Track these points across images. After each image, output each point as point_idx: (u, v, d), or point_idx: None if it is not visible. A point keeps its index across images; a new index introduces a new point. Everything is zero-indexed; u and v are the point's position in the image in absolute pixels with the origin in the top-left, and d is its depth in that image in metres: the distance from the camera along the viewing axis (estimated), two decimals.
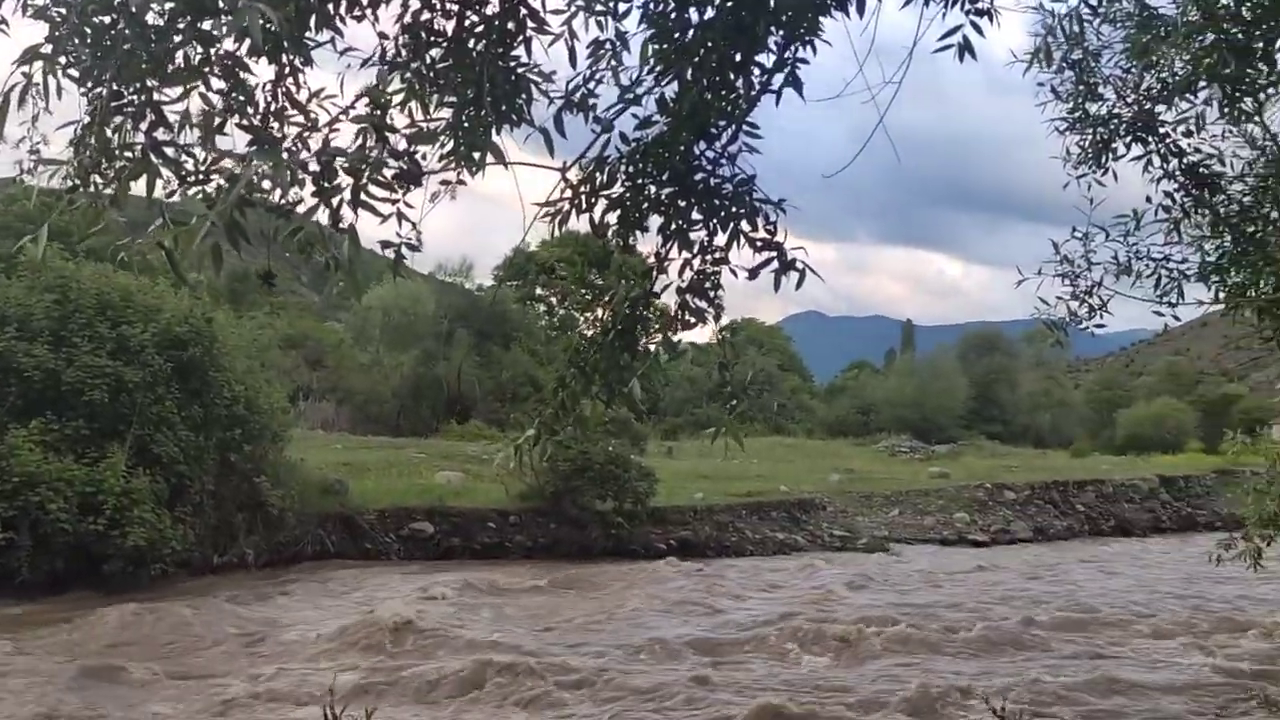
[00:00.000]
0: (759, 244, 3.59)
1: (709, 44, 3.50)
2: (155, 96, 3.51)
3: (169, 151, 3.39)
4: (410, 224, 4.09)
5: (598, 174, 3.80)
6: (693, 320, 3.91)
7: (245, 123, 3.68)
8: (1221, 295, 6.23)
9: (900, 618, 19.06)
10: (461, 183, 3.99)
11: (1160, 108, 5.91)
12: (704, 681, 14.39)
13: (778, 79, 3.52)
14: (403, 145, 3.43)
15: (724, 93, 3.59)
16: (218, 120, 3.61)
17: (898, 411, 63.86)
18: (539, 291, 63.61)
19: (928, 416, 62.96)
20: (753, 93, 3.56)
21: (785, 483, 34.69)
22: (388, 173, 3.38)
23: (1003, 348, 76.38)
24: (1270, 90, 5.58)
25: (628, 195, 3.79)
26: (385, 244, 3.92)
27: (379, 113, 3.38)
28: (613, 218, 3.85)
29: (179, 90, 3.51)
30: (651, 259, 3.81)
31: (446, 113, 3.94)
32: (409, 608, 18.23)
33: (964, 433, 60.57)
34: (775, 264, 3.55)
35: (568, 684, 13.93)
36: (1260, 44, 4.94)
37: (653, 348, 4.04)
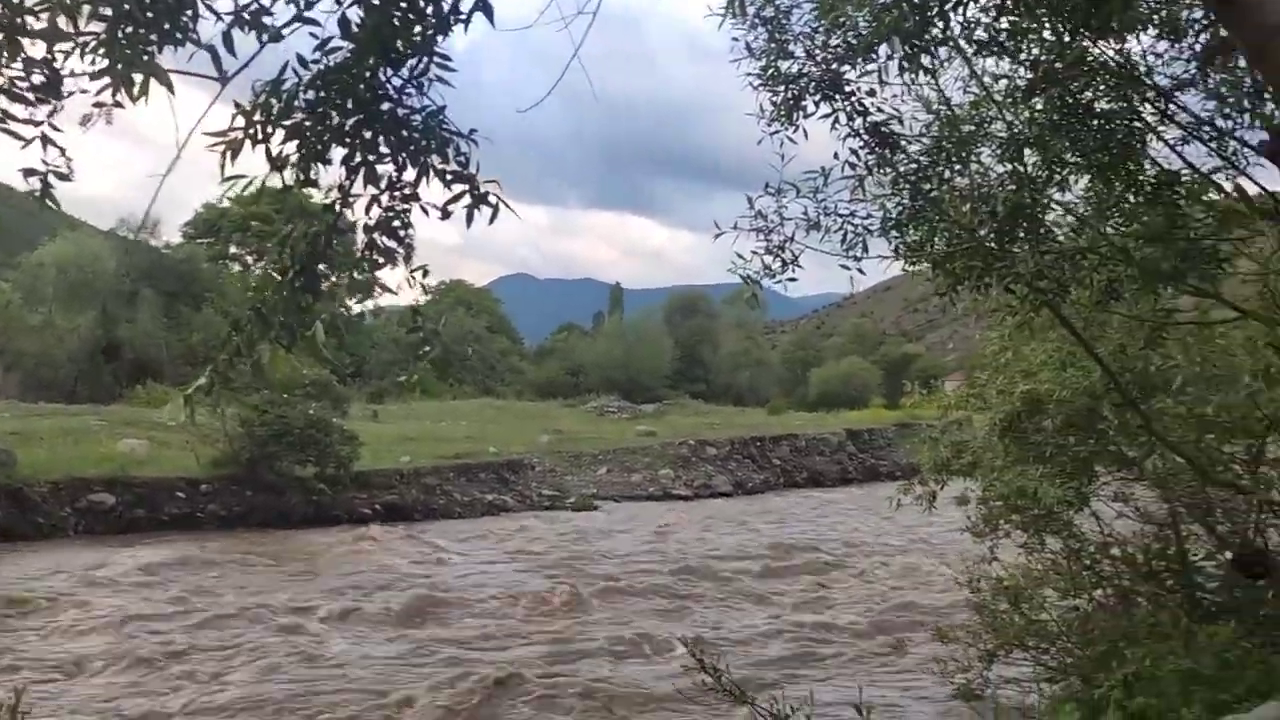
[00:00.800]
0: (450, 177, 3.41)
1: None
2: None
3: None
4: (58, 150, 3.67)
5: (273, 100, 3.49)
6: (381, 260, 3.68)
7: None
8: (902, 251, 6.53)
9: (596, 573, 19.52)
10: (119, 105, 3.59)
11: (846, 67, 6.10)
12: (421, 649, 14.18)
13: (467, 3, 3.34)
14: (40, 54, 3.03)
15: (411, 16, 3.37)
16: None
17: (606, 372, 65.11)
18: (233, 250, 60.52)
19: (635, 377, 64.56)
20: (443, 15, 3.36)
21: (494, 444, 34.69)
22: (23, 85, 2.97)
23: (705, 310, 79.28)
24: (943, 49, 5.88)
25: (308, 124, 3.51)
26: (29, 171, 3.48)
27: (10, 15, 2.96)
28: (291, 149, 3.55)
29: None
30: (335, 192, 3.55)
31: (99, 26, 3.53)
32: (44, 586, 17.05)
33: (669, 392, 62.48)
34: (467, 198, 3.38)
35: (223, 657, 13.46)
36: (936, 3, 5.17)
37: (338, 291, 3.78)
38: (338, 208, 3.53)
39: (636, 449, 37.98)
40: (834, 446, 43.01)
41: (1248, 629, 9.53)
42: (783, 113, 6.25)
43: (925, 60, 5.72)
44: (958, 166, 6.61)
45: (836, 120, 6.19)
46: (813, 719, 6.45)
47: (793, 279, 6.53)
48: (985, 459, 11.07)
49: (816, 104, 6.17)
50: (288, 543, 22.90)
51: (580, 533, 25.40)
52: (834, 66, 6.07)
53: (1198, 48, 6.42)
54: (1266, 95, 5.77)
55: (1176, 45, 6.50)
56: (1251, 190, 6.85)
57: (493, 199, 3.37)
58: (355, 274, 3.72)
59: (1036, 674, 11.22)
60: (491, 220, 3.38)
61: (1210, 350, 10.21)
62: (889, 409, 55.88)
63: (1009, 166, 6.67)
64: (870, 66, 5.82)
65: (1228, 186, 6.69)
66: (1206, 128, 6.38)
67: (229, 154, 3.59)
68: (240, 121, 3.56)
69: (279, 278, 3.56)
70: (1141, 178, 6.71)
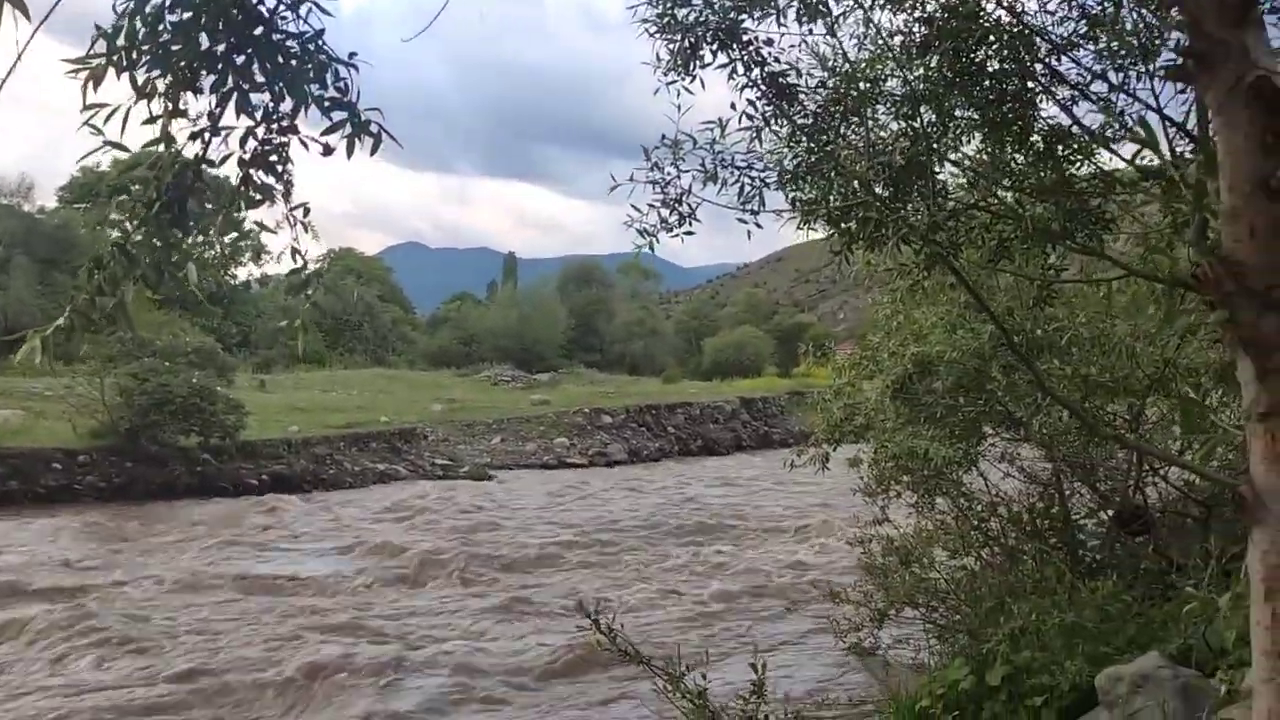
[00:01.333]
0: (328, 104, 3.21)
1: None
2: None
3: None
4: None
5: (138, 22, 3.25)
6: (258, 197, 3.46)
7: None
8: (799, 204, 6.47)
9: (484, 542, 19.35)
10: None
11: (744, 16, 6.00)
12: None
13: None
14: None
15: None
16: None
17: (500, 342, 64.54)
18: (113, 216, 58.22)
19: (529, 346, 64.11)
20: None
21: (386, 413, 34.16)
22: None
23: (600, 279, 79.04)
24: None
25: (175, 49, 3.27)
26: None
27: None
28: (158, 75, 3.31)
29: None
30: (205, 120, 3.31)
31: None
32: None
33: (564, 361, 62.22)
34: (348, 128, 3.19)
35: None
36: None
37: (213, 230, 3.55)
38: (207, 136, 3.31)
39: (531, 418, 37.78)
40: (728, 414, 43.36)
41: (1128, 583, 9.80)
42: (679, 62, 6.12)
43: (823, 9, 5.66)
44: (854, 121, 6.57)
45: (734, 71, 6.09)
46: (708, 678, 6.42)
47: (690, 233, 6.43)
48: (877, 421, 11.20)
49: (714, 53, 6.06)
50: (159, 516, 22.14)
51: (472, 502, 25.07)
52: (732, 15, 5.96)
53: (1088, 5, 6.48)
54: (1159, 41, 5.83)
55: (1068, 3, 6.55)
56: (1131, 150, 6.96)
57: (374, 128, 3.19)
58: (231, 211, 3.49)
59: (927, 631, 11.44)
60: (373, 151, 3.20)
61: (1095, 312, 10.44)
62: (782, 378, 56.59)
63: (904, 124, 6.66)
64: (769, 11, 5.73)
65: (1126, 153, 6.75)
66: (1097, 82, 6.43)
67: (90, 83, 3.34)
68: (102, 46, 3.32)
69: (145, 211, 3.33)
70: (1032, 137, 6.75)
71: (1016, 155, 6.82)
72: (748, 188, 6.36)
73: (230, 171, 3.51)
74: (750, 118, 6.19)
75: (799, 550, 19.19)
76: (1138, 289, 10.86)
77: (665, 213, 6.42)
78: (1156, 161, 6.68)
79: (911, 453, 10.64)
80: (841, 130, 6.54)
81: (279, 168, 3.44)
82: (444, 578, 16.51)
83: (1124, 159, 6.93)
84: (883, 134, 6.77)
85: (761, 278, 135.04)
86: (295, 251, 3.58)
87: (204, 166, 3.33)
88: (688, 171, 6.33)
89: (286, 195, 3.50)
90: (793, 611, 14.13)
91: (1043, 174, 6.75)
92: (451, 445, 33.47)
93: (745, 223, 6.41)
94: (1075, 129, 6.75)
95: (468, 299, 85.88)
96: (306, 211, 3.51)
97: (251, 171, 3.44)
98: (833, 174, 6.37)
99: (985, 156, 7.05)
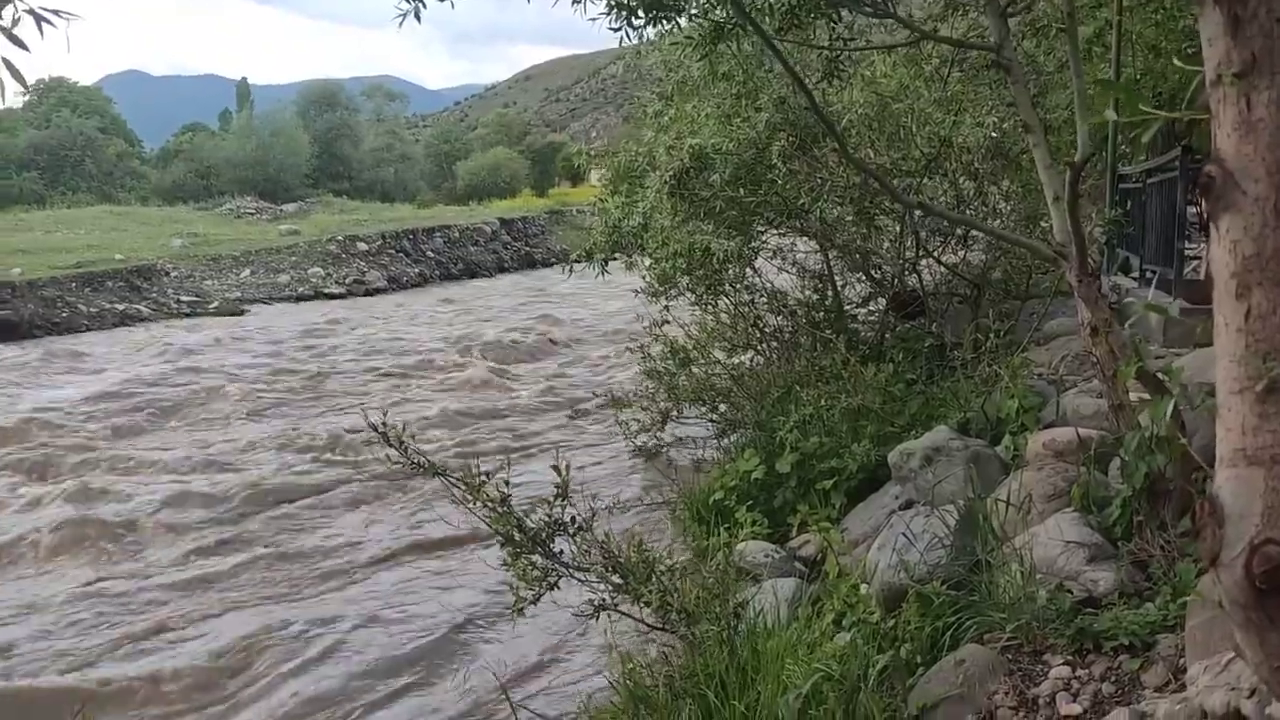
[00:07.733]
0: None
1: None
2: None
3: None
4: None
5: None
6: None
7: None
8: None
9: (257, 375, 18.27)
10: None
11: None
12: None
13: None
14: None
15: None
16: None
17: (240, 173, 60.74)
18: None
19: (273, 176, 60.80)
20: None
21: (121, 252, 31.66)
22: None
23: (344, 103, 75.21)
24: None
25: None
26: None
27: None
28: None
29: None
30: None
31: None
32: None
33: (311, 191, 59.39)
34: None
35: None
36: None
37: None
38: None
39: (281, 249, 35.93)
40: (488, 236, 42.53)
41: (907, 364, 9.98)
42: None
43: None
44: None
45: None
46: (510, 485, 6.04)
47: None
48: (655, 219, 10.85)
49: None
50: None
51: (229, 337, 23.55)
52: None
53: None
54: None
55: None
56: None
57: None
58: None
59: (710, 429, 11.46)
60: None
61: (872, 95, 10.29)
62: (539, 197, 55.86)
63: None
64: None
65: None
66: None
67: None
68: None
69: None
70: None
71: None
72: None
73: None
74: None
75: (584, 361, 19.04)
76: (904, 74, 10.78)
77: None
78: None
79: (691, 249, 10.38)
80: None
81: None
82: (204, 417, 15.40)
83: None
84: None
85: (510, 98, 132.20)
86: None
87: None
88: None
89: None
90: (577, 419, 13.96)
91: None
92: (197, 281, 31.45)
93: None
94: None
95: (200, 129, 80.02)
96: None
97: None
98: None
99: None
